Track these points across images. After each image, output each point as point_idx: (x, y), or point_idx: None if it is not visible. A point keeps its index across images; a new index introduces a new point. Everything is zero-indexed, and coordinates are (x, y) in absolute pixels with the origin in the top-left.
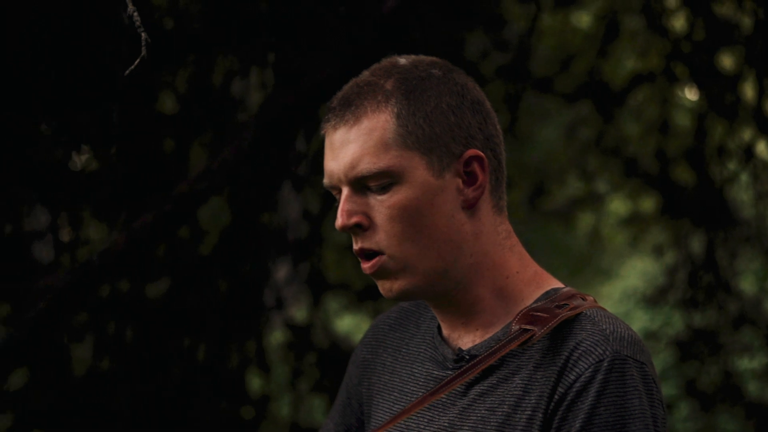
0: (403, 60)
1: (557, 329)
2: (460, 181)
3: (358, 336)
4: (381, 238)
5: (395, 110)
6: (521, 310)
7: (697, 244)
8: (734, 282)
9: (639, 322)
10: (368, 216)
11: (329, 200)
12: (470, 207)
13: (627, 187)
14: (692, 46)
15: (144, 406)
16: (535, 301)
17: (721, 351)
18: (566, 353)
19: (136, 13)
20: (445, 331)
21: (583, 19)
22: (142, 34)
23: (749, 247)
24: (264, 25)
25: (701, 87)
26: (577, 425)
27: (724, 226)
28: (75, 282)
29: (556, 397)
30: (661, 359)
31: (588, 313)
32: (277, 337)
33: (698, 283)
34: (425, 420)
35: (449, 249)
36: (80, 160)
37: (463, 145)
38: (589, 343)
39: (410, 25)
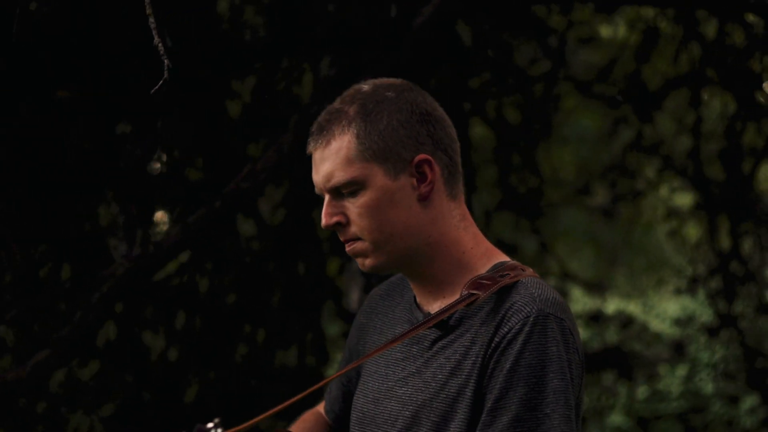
0: (365, 87)
1: (499, 293)
2: (414, 180)
3: None
4: (355, 230)
5: (355, 132)
6: (470, 279)
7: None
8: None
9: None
10: (345, 215)
11: None
12: (425, 199)
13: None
14: (723, 51)
15: (211, 391)
16: (486, 272)
17: None
18: (503, 312)
19: (160, 45)
20: (418, 299)
21: (621, 28)
22: (165, 61)
23: None
24: (318, 34)
25: (731, 89)
26: (507, 366)
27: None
28: (133, 269)
29: (492, 345)
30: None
31: (524, 281)
32: (334, 328)
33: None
34: (400, 368)
35: (410, 234)
36: (161, 164)
37: (413, 151)
38: (520, 303)
39: (461, 35)
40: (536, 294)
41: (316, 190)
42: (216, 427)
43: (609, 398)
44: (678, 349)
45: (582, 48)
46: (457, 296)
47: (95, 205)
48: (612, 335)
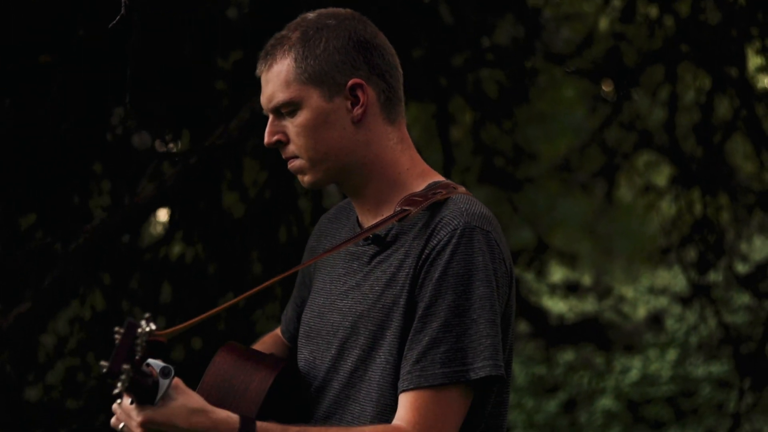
0: (311, 15)
1: (430, 209)
2: (348, 102)
3: None
4: (294, 149)
5: (294, 56)
6: (404, 196)
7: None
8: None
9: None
10: (285, 134)
11: None
12: (358, 122)
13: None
14: (698, 28)
15: (196, 359)
16: (421, 191)
17: None
18: (433, 226)
19: None
20: (360, 219)
21: (599, 6)
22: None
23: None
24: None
25: (706, 65)
26: (436, 275)
27: (731, 194)
28: (109, 221)
29: (423, 257)
30: None
31: (454, 198)
32: None
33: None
34: (341, 282)
35: (344, 153)
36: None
37: (347, 75)
38: (449, 217)
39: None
40: (464, 209)
41: (263, 110)
42: (148, 321)
43: (599, 382)
44: (655, 322)
45: (561, 25)
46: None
47: (81, 179)
48: (589, 306)
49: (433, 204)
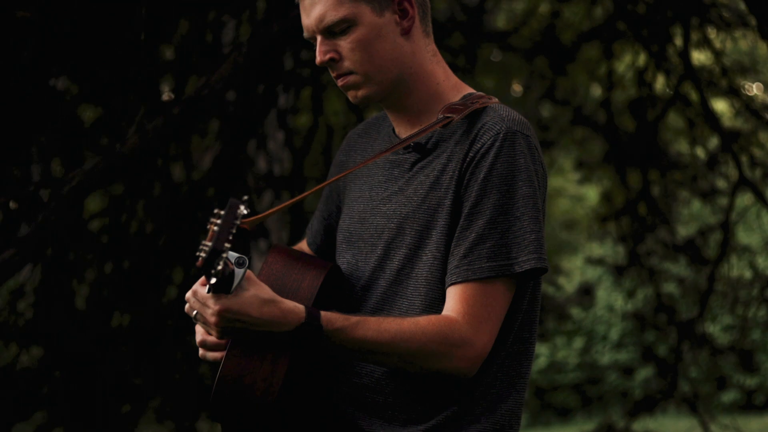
0: None
1: (470, 117)
2: (396, 16)
3: None
4: (348, 65)
5: None
6: (445, 105)
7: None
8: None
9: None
10: (337, 52)
11: (311, 135)
12: (406, 33)
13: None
14: (635, 6)
15: (141, 332)
16: (457, 101)
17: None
18: (475, 131)
19: None
20: (397, 130)
21: None
22: None
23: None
24: None
25: (642, 42)
26: (481, 176)
27: (662, 169)
28: (84, 181)
29: (467, 159)
30: None
31: (492, 106)
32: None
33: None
34: (382, 188)
35: (396, 65)
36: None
37: None
38: (490, 123)
39: None
40: (504, 115)
41: (306, 35)
42: (246, 204)
43: None
44: (587, 292)
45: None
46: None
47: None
48: None
49: (473, 112)
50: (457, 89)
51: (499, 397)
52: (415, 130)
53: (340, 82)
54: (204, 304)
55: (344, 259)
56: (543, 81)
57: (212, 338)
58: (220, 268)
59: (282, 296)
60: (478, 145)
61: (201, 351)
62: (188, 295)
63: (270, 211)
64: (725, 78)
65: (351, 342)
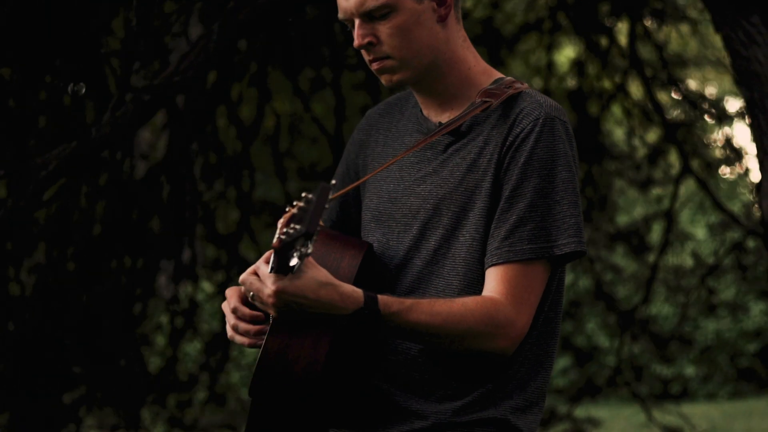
0: None
1: (506, 102)
2: (434, 3)
3: None
4: (386, 49)
5: None
6: (481, 89)
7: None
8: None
9: None
10: (375, 36)
11: (256, 126)
12: (443, 20)
13: None
14: None
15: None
16: (489, 85)
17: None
18: (513, 116)
19: None
20: (425, 112)
21: None
22: None
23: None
24: None
25: (582, 34)
26: (522, 160)
27: (601, 160)
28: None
29: (507, 143)
30: None
31: (527, 92)
32: (208, 251)
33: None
34: (415, 170)
35: (431, 50)
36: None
37: None
38: (529, 108)
39: None
40: (542, 101)
41: (343, 16)
42: (334, 189)
43: None
44: None
45: None
46: (463, 108)
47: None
48: None
49: (509, 97)
50: (487, 74)
51: (529, 375)
52: (446, 113)
53: (375, 66)
54: (263, 283)
55: (373, 238)
56: None
57: (245, 325)
58: (310, 251)
59: None
60: (518, 130)
61: (230, 332)
62: (244, 276)
63: (339, 192)
64: (665, 70)
65: (405, 324)
